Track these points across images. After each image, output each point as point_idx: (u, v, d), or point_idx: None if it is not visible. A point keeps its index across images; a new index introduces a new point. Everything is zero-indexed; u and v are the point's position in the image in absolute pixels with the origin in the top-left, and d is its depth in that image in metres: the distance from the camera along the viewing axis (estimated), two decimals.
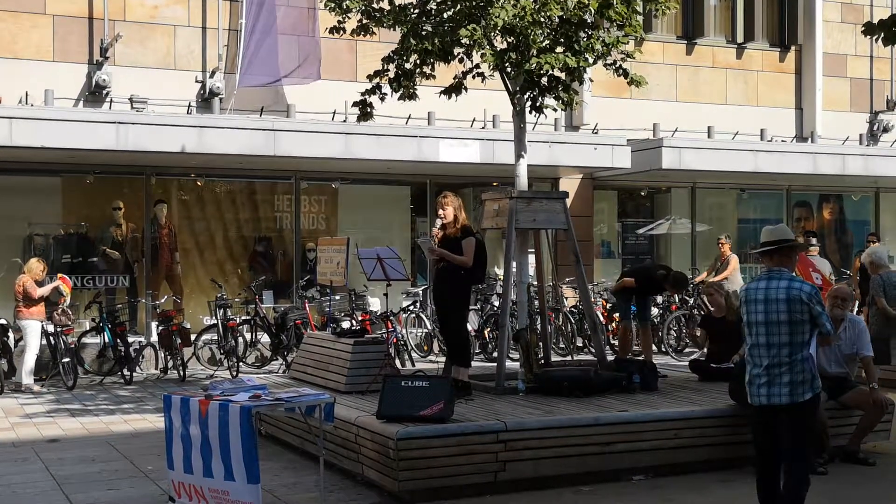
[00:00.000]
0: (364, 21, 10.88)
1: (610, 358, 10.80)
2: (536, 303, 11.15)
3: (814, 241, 14.94)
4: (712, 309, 10.63)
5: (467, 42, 10.09)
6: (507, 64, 10.19)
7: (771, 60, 20.77)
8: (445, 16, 10.43)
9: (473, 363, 10.52)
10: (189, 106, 15.94)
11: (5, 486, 8.00)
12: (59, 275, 14.12)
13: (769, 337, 6.09)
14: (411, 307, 16.17)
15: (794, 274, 6.39)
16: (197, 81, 16.16)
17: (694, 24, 20.07)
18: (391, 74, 10.92)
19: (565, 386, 9.01)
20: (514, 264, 10.00)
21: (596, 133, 18.22)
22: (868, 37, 8.36)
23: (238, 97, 16.07)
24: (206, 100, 16.11)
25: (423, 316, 15.98)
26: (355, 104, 11.34)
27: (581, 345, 15.81)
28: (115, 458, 9.05)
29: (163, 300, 15.30)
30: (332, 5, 10.78)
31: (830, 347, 8.22)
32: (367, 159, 15.68)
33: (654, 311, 16.24)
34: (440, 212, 9.18)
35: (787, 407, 6.03)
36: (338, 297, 15.21)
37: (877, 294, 11.49)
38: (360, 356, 9.37)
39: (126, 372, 13.91)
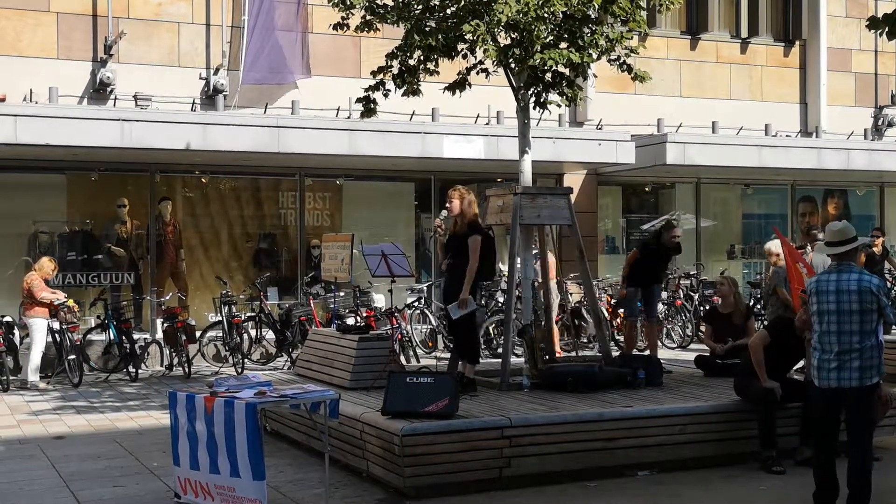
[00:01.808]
0: (368, 17, 10.86)
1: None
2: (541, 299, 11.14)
3: (821, 236, 14.83)
4: (718, 301, 10.60)
5: (471, 38, 10.07)
6: (510, 60, 10.18)
7: (775, 55, 20.72)
8: (449, 12, 10.42)
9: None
10: (193, 103, 15.94)
11: (11, 482, 8.02)
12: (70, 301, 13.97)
13: (840, 325, 6.54)
14: (416, 303, 16.18)
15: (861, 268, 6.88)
16: (201, 78, 16.16)
17: (698, 19, 20.04)
18: (395, 71, 10.90)
19: (570, 382, 9.02)
20: (518, 260, 10.00)
21: (600, 129, 18.19)
22: (872, 31, 8.33)
23: (242, 94, 16.08)
24: (210, 97, 16.12)
25: (427, 312, 15.98)
26: (359, 100, 11.32)
27: (586, 341, 15.80)
28: (120, 454, 9.06)
29: (168, 297, 15.34)
30: (336, 1, 10.78)
31: None
32: (372, 156, 15.66)
33: (660, 306, 16.23)
34: (447, 204, 9.30)
35: (856, 389, 6.51)
36: (342, 294, 15.21)
37: (778, 286, 11.51)
38: (365, 352, 9.38)
39: (131, 369, 13.95)
